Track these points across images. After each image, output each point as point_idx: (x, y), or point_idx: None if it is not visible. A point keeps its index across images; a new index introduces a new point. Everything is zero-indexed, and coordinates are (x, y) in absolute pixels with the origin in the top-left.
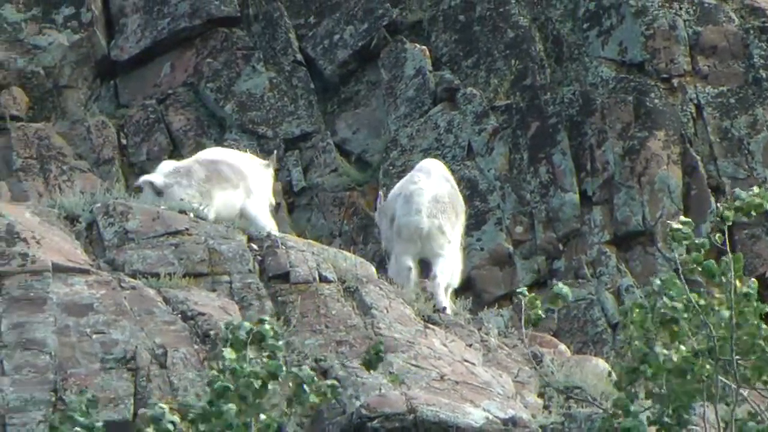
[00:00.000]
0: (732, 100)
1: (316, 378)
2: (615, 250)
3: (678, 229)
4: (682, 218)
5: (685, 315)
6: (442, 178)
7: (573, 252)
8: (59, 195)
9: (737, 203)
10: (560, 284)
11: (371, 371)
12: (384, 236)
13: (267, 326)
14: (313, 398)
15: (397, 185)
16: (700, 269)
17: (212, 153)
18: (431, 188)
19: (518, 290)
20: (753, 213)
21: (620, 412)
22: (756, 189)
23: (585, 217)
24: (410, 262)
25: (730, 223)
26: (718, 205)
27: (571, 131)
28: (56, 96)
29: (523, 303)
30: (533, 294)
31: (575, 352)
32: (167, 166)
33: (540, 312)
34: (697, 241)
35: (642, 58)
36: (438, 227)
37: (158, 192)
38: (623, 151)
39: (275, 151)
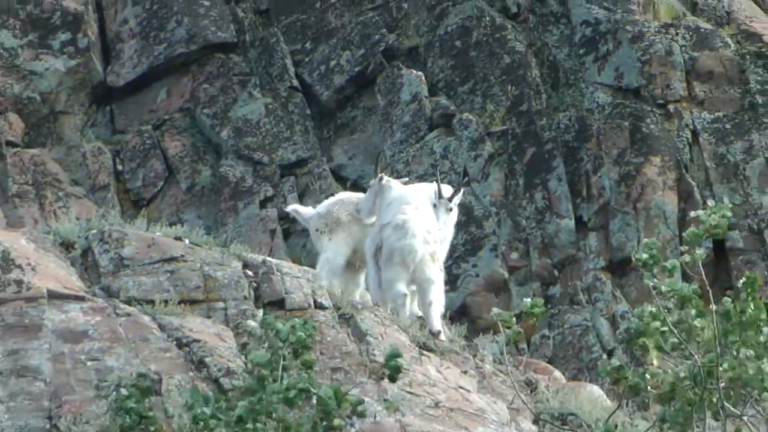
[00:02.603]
0: (728, 126)
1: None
2: (610, 276)
3: (646, 256)
4: (647, 240)
5: (663, 328)
6: (429, 210)
7: (568, 278)
8: (55, 221)
9: (701, 227)
10: (528, 300)
11: (390, 382)
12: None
13: (301, 334)
14: (339, 421)
15: (383, 216)
16: (674, 294)
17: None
18: (423, 218)
19: (493, 312)
20: (718, 232)
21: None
22: (710, 204)
23: (580, 243)
24: (404, 289)
25: (704, 257)
26: (684, 233)
27: (567, 157)
28: (52, 122)
29: (500, 324)
30: (507, 312)
31: (570, 378)
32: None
33: (518, 329)
34: (667, 265)
35: (638, 84)
36: (431, 254)
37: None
38: (619, 176)
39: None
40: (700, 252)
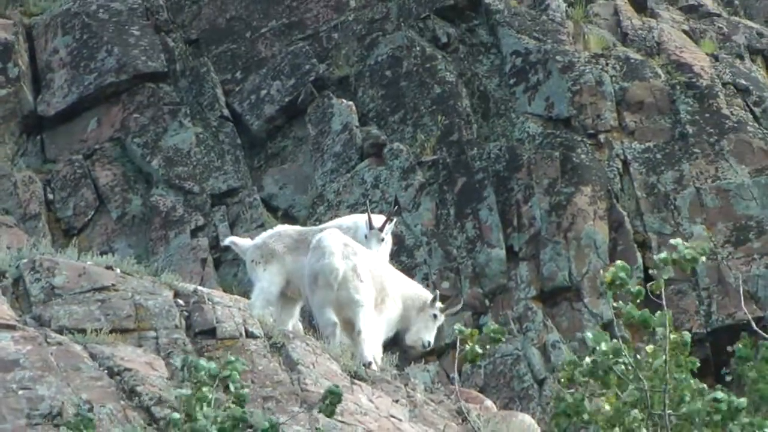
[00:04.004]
0: (658, 156)
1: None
2: (541, 305)
3: (614, 276)
4: (619, 262)
5: (619, 361)
6: (340, 229)
7: (500, 307)
8: None
9: (674, 255)
10: (491, 323)
11: (325, 417)
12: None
13: (234, 372)
14: None
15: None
16: (634, 319)
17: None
18: (337, 235)
19: (455, 327)
20: (688, 267)
21: None
22: (691, 243)
23: (511, 273)
24: (334, 317)
25: (667, 277)
26: (654, 256)
27: (498, 187)
28: None
29: (458, 339)
30: (470, 329)
31: (501, 407)
32: (279, 228)
33: (477, 348)
34: (632, 290)
35: (569, 114)
36: (353, 268)
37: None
38: (550, 206)
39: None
40: (663, 278)
